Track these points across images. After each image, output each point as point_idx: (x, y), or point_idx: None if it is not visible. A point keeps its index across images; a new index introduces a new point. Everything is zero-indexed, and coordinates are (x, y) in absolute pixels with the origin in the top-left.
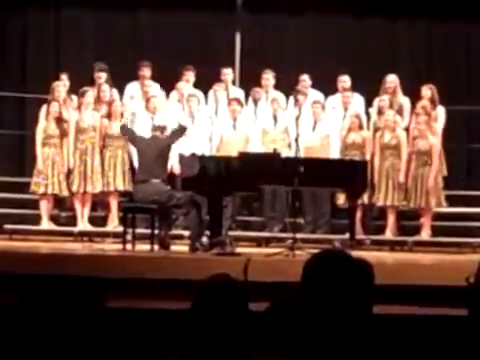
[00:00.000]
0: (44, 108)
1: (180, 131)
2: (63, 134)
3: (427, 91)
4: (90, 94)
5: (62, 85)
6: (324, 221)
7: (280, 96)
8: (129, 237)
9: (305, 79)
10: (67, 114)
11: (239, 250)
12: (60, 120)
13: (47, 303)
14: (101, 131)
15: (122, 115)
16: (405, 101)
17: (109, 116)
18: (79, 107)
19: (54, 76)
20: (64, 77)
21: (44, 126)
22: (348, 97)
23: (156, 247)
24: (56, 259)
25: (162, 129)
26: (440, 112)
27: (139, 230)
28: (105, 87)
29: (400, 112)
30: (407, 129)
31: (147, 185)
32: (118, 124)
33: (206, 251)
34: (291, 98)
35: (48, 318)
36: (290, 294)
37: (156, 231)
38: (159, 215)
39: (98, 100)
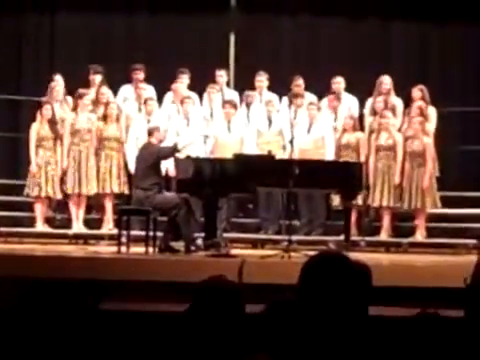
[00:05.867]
0: (38, 110)
1: (171, 152)
2: (56, 136)
3: (417, 92)
4: (89, 97)
5: (58, 86)
6: (319, 223)
7: (274, 98)
8: (124, 239)
9: (300, 84)
10: (64, 115)
11: (234, 252)
12: (53, 122)
13: (41, 306)
14: (97, 133)
15: (118, 118)
16: (398, 102)
17: (105, 118)
18: (75, 109)
19: (49, 79)
20: (58, 78)
21: (37, 128)
22: (332, 100)
23: (151, 249)
24: (51, 261)
25: (154, 131)
26: (431, 113)
27: (134, 232)
28: (104, 90)
29: (393, 113)
30: (399, 130)
31: (139, 192)
32: (114, 126)
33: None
34: (284, 99)
35: (42, 321)
36: (287, 295)
37: (151, 233)
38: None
39: (96, 102)
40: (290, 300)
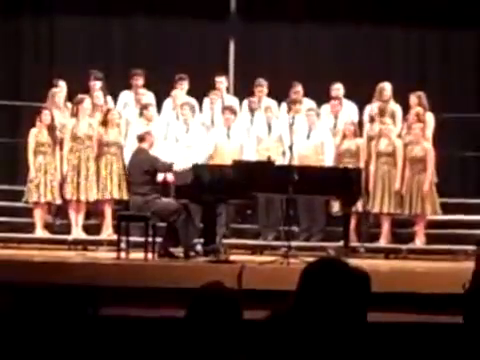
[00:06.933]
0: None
1: (165, 170)
2: (55, 142)
3: (414, 99)
4: (87, 102)
5: (61, 92)
6: (318, 229)
7: (273, 104)
8: (123, 245)
9: (299, 90)
10: (64, 120)
11: (233, 258)
12: (52, 128)
13: (40, 312)
14: (97, 139)
15: (119, 123)
16: (397, 108)
17: (105, 124)
18: (75, 115)
19: (48, 84)
20: (62, 84)
21: (36, 134)
22: (335, 105)
23: (150, 255)
24: (50, 267)
25: (145, 136)
26: (429, 119)
27: (133, 238)
28: (98, 93)
29: (392, 119)
30: (399, 136)
31: (137, 198)
32: (115, 132)
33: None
34: (283, 104)
35: (41, 326)
36: (289, 303)
37: (150, 239)
38: (167, 227)
39: (92, 107)
40: (290, 308)
